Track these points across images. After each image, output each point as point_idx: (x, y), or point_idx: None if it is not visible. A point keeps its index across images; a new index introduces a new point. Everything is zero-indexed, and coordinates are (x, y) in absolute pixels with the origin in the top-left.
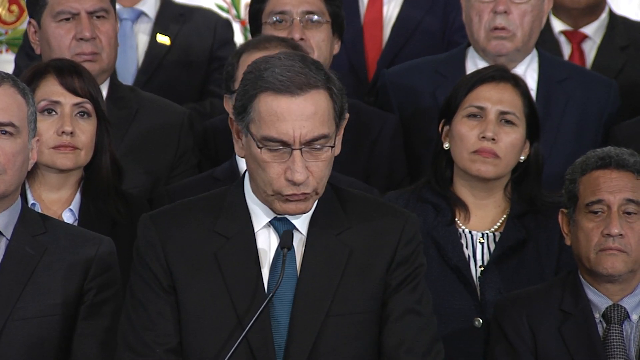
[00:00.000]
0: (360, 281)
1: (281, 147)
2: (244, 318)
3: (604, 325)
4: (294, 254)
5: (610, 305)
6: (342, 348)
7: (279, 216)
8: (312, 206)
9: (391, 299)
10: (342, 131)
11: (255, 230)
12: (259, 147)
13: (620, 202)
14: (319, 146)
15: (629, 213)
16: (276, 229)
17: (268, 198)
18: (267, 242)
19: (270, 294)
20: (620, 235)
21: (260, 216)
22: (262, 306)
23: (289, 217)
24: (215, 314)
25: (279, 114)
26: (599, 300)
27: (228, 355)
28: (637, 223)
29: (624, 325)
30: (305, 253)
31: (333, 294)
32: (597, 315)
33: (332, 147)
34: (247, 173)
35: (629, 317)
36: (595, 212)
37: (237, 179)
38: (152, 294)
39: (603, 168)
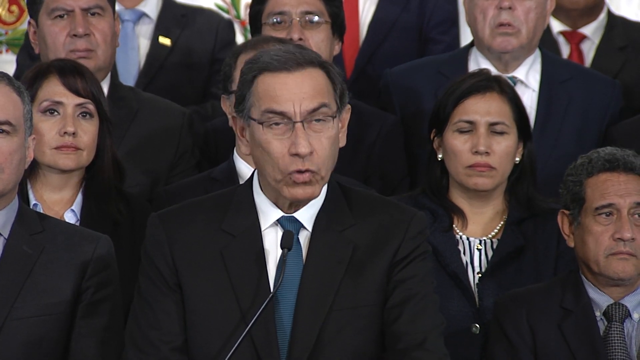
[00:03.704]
0: (364, 275)
1: (283, 120)
2: (248, 315)
3: (605, 323)
4: (301, 250)
5: (611, 304)
6: (346, 341)
7: (286, 215)
8: (319, 192)
9: (391, 282)
10: (345, 123)
11: (263, 228)
12: (260, 124)
13: (630, 205)
14: (320, 117)
15: (638, 215)
16: (283, 228)
17: (278, 185)
18: (274, 241)
19: (272, 293)
20: (632, 239)
21: (267, 215)
22: (265, 303)
23: (296, 215)
24: (220, 311)
25: (278, 89)
26: (600, 298)
27: (230, 354)
28: None
29: (625, 324)
30: (310, 249)
31: (337, 288)
32: (598, 314)
33: (334, 117)
34: (256, 172)
35: (630, 315)
36: (605, 216)
37: (234, 180)
38: (158, 293)
39: (611, 171)
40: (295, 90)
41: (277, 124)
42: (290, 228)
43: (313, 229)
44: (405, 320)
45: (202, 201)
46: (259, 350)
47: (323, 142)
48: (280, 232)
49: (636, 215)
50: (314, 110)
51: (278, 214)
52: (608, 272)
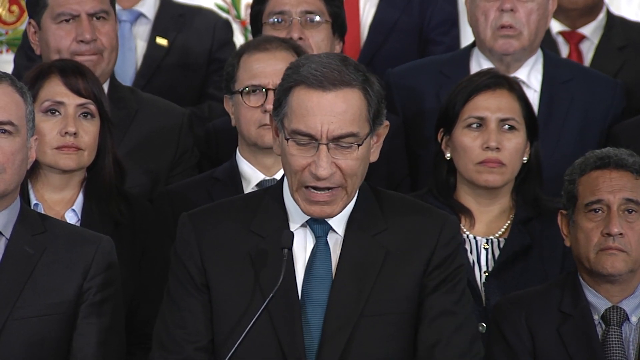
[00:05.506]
0: (395, 282)
1: (309, 141)
2: (275, 316)
3: (603, 327)
4: (329, 253)
5: (609, 307)
6: (376, 349)
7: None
8: (339, 209)
9: (428, 299)
10: (381, 139)
11: (291, 230)
12: (286, 139)
13: (619, 201)
14: (346, 144)
15: (629, 212)
16: (312, 230)
17: (294, 195)
18: (302, 242)
19: (272, 293)
20: (620, 234)
21: (296, 216)
22: (266, 302)
23: (325, 218)
24: (247, 311)
25: (309, 107)
26: (598, 301)
27: (232, 350)
28: (637, 222)
29: (623, 327)
30: (342, 254)
31: (368, 294)
32: (596, 317)
33: (360, 145)
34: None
35: (628, 319)
36: (595, 212)
37: (237, 180)
38: (184, 293)
39: (602, 168)
40: (325, 112)
41: (303, 143)
42: (318, 230)
43: (345, 233)
44: (435, 336)
45: (232, 202)
46: (286, 354)
47: (349, 163)
48: (309, 234)
49: (627, 212)
50: (340, 137)
51: (306, 215)
52: (598, 268)
